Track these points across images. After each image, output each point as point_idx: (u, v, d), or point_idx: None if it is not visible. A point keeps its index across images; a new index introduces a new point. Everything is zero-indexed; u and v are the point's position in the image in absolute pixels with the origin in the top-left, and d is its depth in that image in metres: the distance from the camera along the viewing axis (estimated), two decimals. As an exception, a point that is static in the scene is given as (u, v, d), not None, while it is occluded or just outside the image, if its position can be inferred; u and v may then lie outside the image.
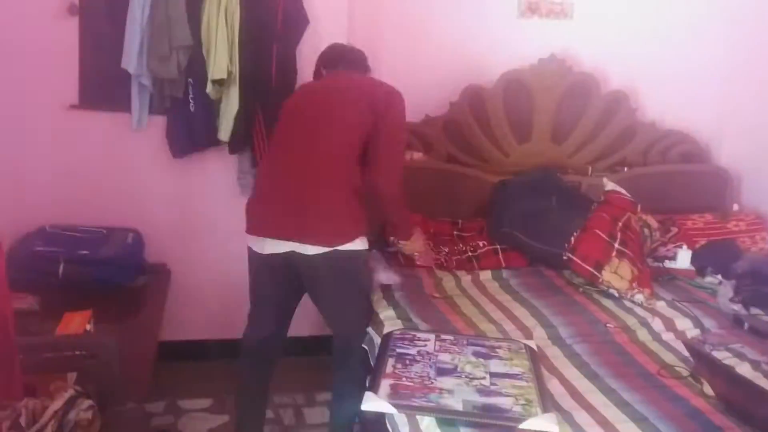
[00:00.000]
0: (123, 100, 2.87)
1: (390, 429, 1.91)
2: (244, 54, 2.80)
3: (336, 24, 2.97)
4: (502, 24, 3.30)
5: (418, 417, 1.77)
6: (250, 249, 2.35)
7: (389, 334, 2.21)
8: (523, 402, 1.81)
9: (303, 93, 2.53)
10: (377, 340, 2.23)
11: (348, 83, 2.41)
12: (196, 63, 2.80)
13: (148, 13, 2.74)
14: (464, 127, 3.26)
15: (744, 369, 2.15)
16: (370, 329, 2.37)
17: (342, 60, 2.50)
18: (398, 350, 2.08)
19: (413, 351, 2.08)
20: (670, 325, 2.46)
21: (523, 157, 3.32)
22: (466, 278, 2.84)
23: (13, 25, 2.77)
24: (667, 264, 3.00)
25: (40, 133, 2.87)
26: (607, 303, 2.62)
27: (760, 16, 3.38)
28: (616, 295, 2.65)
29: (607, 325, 2.43)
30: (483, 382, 1.92)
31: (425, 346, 2.12)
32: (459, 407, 1.77)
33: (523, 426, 1.71)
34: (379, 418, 1.97)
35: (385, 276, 2.66)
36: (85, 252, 2.72)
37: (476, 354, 2.09)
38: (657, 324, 2.46)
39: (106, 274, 2.71)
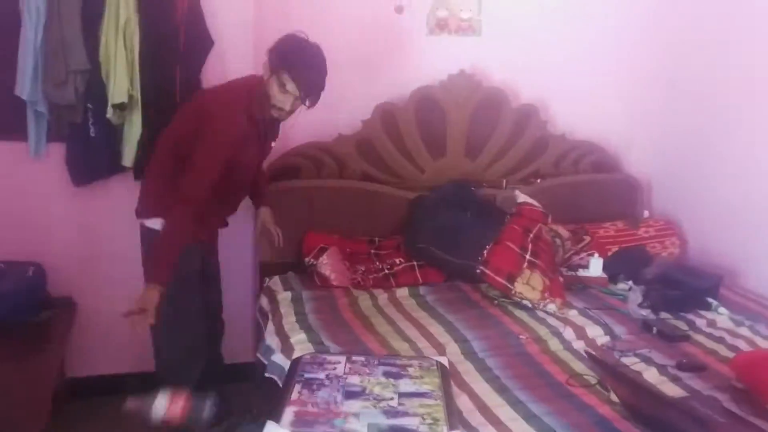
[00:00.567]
0: (19, 127, 2.73)
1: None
2: (146, 76, 2.71)
3: (241, 44, 2.91)
4: (412, 41, 3.31)
5: (322, 444, 1.73)
6: None
7: (298, 359, 2.15)
8: (430, 421, 1.79)
9: None
10: (286, 365, 2.17)
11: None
12: (95, 87, 2.70)
13: (41, 36, 2.62)
14: (378, 144, 3.25)
15: (651, 374, 2.20)
16: (279, 355, 2.30)
17: None
18: (306, 375, 2.03)
19: (322, 375, 2.04)
20: (581, 333, 2.49)
21: (438, 173, 3.33)
22: (382, 296, 2.82)
23: None
24: (581, 273, 3.05)
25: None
26: (521, 314, 2.64)
27: (665, 31, 3.51)
28: (529, 305, 2.68)
29: (520, 336, 2.44)
30: (390, 403, 1.89)
31: (335, 369, 2.08)
32: (364, 431, 1.73)
33: (428, 446, 1.69)
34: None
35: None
36: (-20, 288, 2.58)
37: (386, 374, 2.06)
38: (568, 333, 2.48)
39: (3, 310, 2.58)
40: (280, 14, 3.07)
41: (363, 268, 2.94)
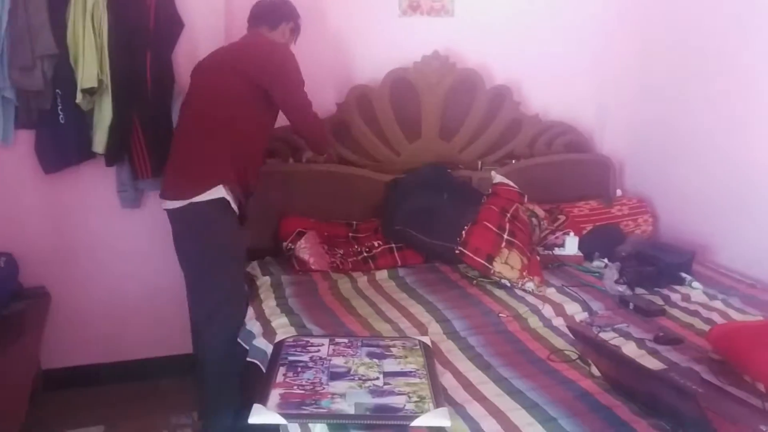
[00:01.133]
0: (-15, 115, 2.66)
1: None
2: (116, 61, 2.65)
3: (213, 26, 2.87)
4: (384, 22, 3.28)
5: (309, 425, 1.72)
6: None
7: (281, 342, 2.14)
8: (416, 399, 1.79)
9: (202, 65, 2.59)
10: (269, 349, 2.16)
11: (233, 52, 2.56)
12: (64, 72, 2.64)
13: (6, 21, 2.54)
14: (353, 127, 3.23)
15: (630, 348, 2.23)
16: (261, 339, 2.29)
17: (253, 17, 2.69)
18: (290, 358, 2.02)
19: (306, 357, 2.03)
20: (560, 310, 2.52)
21: (414, 155, 3.33)
22: (362, 279, 2.81)
23: None
24: (557, 251, 3.08)
25: None
26: (500, 293, 2.66)
27: (639, 16, 3.55)
28: (508, 284, 2.70)
29: (500, 315, 2.46)
30: (376, 382, 1.89)
31: (318, 351, 2.08)
32: (351, 411, 1.73)
33: (415, 423, 1.69)
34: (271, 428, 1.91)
35: None
36: (-51, 280, 2.52)
37: (370, 355, 2.06)
38: (547, 310, 2.51)
39: (-26, 303, 2.52)
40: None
41: (341, 252, 2.93)
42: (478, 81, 3.38)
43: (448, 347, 2.22)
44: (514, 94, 3.47)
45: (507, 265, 2.68)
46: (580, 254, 3.07)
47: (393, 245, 2.99)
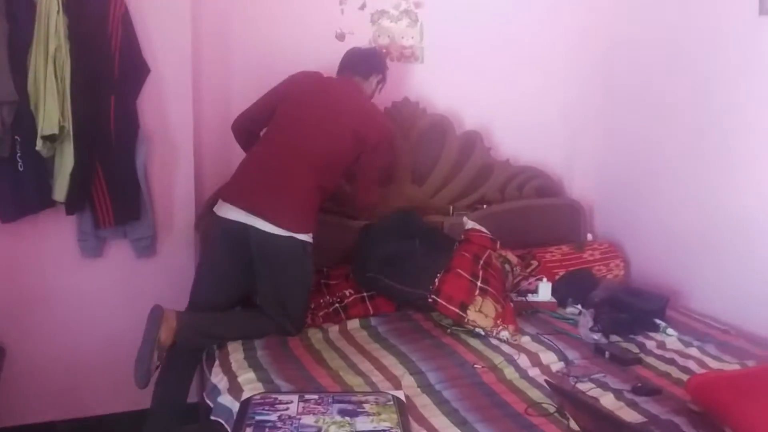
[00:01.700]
0: (-60, 161, 2.56)
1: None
2: (78, 106, 2.57)
3: (180, 71, 2.83)
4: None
5: (278, 491, 1.63)
6: (213, 215, 2.63)
7: (248, 400, 2.05)
8: (391, 461, 1.71)
9: (308, 93, 2.76)
10: (235, 407, 2.06)
11: (345, 104, 2.76)
12: (24, 118, 2.54)
13: (-36, 66, 2.48)
14: (324, 173, 3.18)
15: (608, 399, 2.18)
16: (226, 396, 2.19)
17: (349, 65, 2.92)
18: (257, 417, 1.93)
19: (274, 417, 1.94)
20: (535, 360, 2.46)
21: (385, 200, 3.28)
22: (333, 329, 2.74)
23: None
24: (530, 297, 3.04)
25: None
26: (475, 343, 2.60)
27: (606, 65, 3.61)
28: (483, 333, 2.64)
29: (475, 365, 2.40)
30: (348, 443, 1.80)
31: (287, 409, 1.98)
32: (322, 475, 1.65)
33: (390, 488, 1.61)
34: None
35: None
36: None
37: (342, 412, 1.98)
38: (523, 360, 2.45)
39: None
40: (218, 41, 3.00)
41: (312, 306, 2.84)
42: (448, 126, 3.37)
43: (423, 402, 2.15)
44: (484, 139, 3.47)
45: (481, 313, 2.63)
46: (554, 300, 3.03)
47: (365, 294, 2.93)
